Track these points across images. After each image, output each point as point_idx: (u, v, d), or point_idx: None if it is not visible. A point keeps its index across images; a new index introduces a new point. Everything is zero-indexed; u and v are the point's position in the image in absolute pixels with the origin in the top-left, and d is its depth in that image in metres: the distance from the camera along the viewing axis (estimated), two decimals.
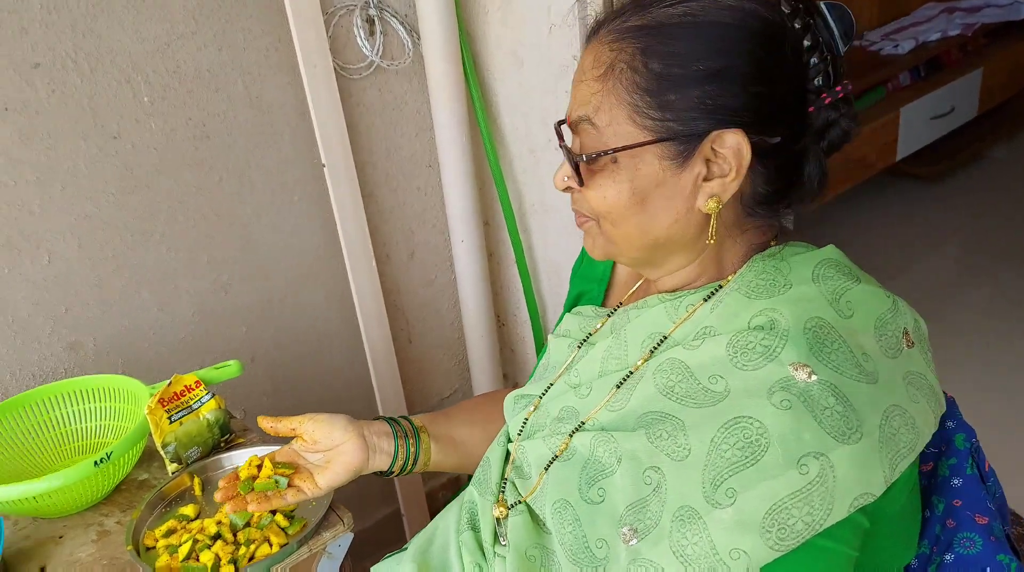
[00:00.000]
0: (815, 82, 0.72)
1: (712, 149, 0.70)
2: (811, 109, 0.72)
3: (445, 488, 1.94)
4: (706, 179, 0.72)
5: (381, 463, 0.94)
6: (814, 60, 0.72)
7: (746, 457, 0.64)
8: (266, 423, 0.95)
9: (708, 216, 0.73)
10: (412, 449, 0.96)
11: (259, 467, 0.94)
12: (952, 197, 3.21)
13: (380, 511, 1.84)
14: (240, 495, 0.91)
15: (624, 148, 0.72)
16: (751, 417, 0.65)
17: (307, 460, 0.95)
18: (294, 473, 0.93)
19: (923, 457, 0.82)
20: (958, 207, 3.15)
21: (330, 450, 0.94)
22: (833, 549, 0.64)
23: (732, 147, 0.70)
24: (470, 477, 0.96)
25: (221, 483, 0.93)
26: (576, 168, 0.75)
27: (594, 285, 0.95)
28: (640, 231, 0.75)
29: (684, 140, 0.70)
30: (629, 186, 0.73)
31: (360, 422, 0.95)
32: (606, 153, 0.73)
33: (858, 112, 0.75)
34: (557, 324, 0.96)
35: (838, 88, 0.73)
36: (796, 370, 0.65)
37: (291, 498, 0.91)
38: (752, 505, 0.63)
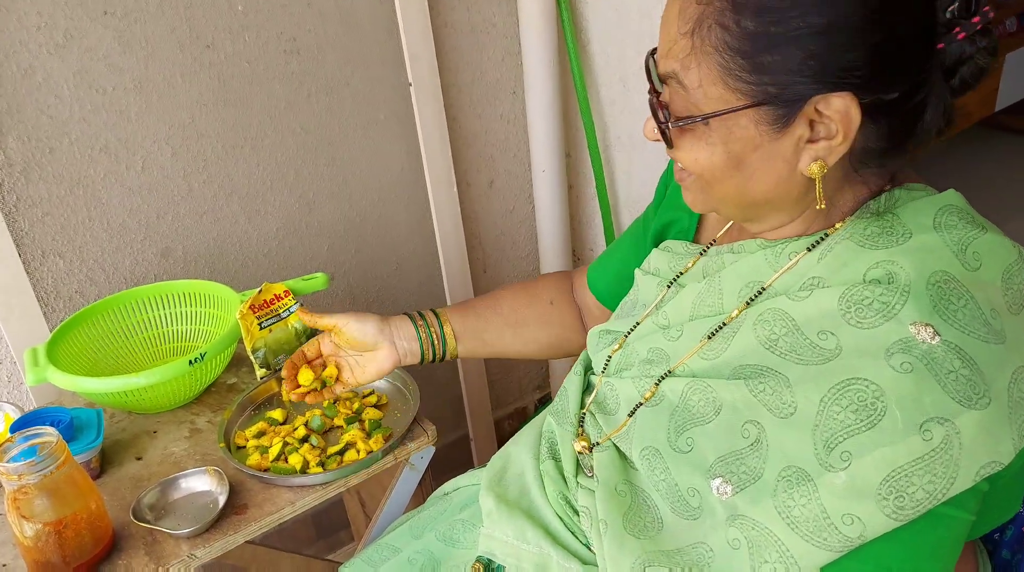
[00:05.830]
0: (947, 14, 0.62)
1: (816, 110, 0.63)
2: (940, 46, 0.63)
3: (512, 417, 1.95)
4: (810, 141, 0.65)
5: (411, 361, 1.03)
6: None
7: (861, 421, 0.61)
8: (307, 317, 1.04)
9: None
10: (437, 351, 1.03)
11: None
12: None
13: (449, 436, 1.87)
14: (298, 389, 1.01)
15: (714, 115, 0.65)
16: (866, 380, 0.61)
17: (347, 358, 1.03)
18: (340, 371, 1.03)
19: None
20: None
21: (365, 353, 1.02)
22: (955, 516, 0.62)
23: (839, 110, 0.62)
24: (539, 407, 0.96)
25: (284, 372, 1.01)
26: (663, 131, 0.70)
27: (684, 214, 0.90)
28: (739, 192, 0.70)
29: (783, 104, 0.63)
30: (723, 149, 0.67)
31: (390, 324, 1.02)
32: (695, 119, 0.67)
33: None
34: (643, 253, 0.92)
35: (975, 19, 0.62)
36: (918, 330, 0.61)
37: (338, 390, 1.02)
38: (867, 471, 0.60)
